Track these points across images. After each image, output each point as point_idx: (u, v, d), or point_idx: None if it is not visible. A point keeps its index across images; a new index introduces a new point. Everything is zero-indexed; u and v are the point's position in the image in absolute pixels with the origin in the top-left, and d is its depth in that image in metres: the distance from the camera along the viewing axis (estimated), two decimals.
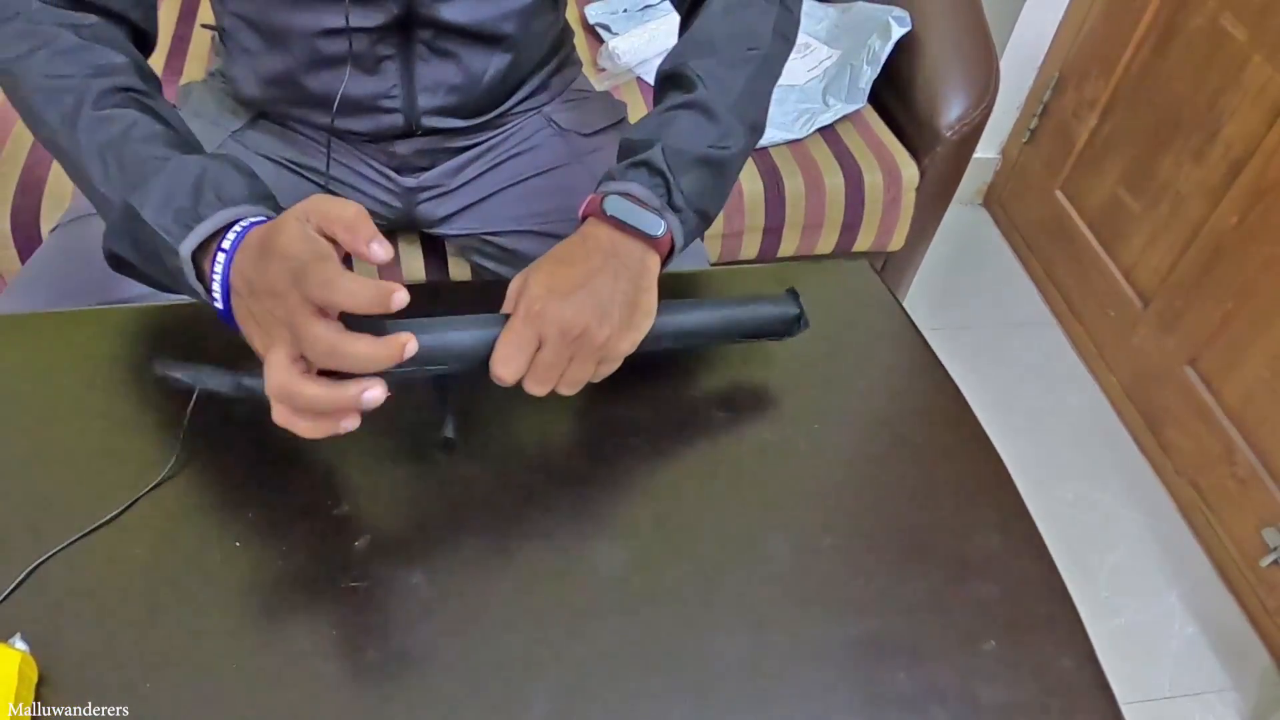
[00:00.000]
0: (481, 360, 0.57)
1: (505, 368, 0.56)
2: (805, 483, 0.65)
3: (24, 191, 1.07)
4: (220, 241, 0.55)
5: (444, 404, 0.59)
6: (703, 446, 0.66)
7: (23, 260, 1.07)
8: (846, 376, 0.73)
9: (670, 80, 0.72)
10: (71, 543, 0.56)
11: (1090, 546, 1.53)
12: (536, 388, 0.58)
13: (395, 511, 0.60)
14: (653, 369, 0.69)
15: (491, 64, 0.84)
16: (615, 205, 0.63)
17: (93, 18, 0.67)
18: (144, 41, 0.74)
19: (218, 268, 0.55)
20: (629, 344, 0.61)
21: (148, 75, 0.67)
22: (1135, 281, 1.69)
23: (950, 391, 0.72)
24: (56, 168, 1.10)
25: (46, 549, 0.55)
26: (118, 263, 0.62)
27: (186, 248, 0.55)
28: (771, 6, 0.75)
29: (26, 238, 1.06)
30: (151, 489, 0.59)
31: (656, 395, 0.69)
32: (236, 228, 0.56)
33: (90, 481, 0.60)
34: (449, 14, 0.77)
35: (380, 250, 0.49)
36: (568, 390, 0.60)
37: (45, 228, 1.06)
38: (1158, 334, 1.62)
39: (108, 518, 0.57)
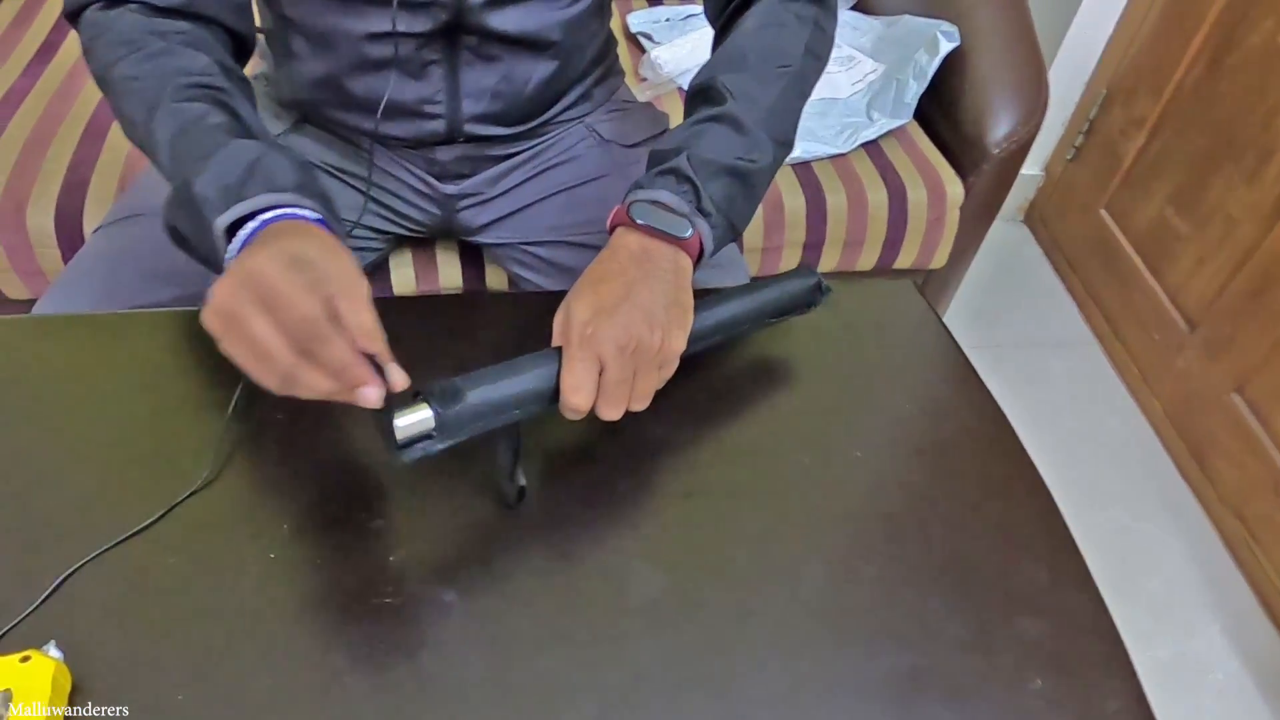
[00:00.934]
0: (548, 399, 0.58)
1: (577, 395, 0.57)
2: (845, 509, 0.63)
3: (68, 191, 1.08)
4: (249, 220, 0.57)
5: (511, 451, 0.59)
6: (740, 469, 0.65)
7: (65, 259, 1.08)
8: (889, 401, 0.72)
9: (701, 94, 0.73)
10: (106, 550, 0.55)
11: (1129, 575, 1.49)
12: (611, 410, 0.59)
13: (429, 527, 0.59)
14: (689, 390, 0.68)
15: (536, 72, 0.84)
16: (643, 211, 0.64)
17: (185, 24, 0.68)
18: (241, 46, 0.75)
19: (238, 237, 0.56)
20: (681, 342, 0.62)
21: (232, 75, 0.68)
22: (1181, 304, 1.66)
23: (996, 419, 0.70)
24: (100, 168, 1.11)
25: (81, 555, 0.55)
26: (178, 237, 0.63)
27: (222, 221, 0.56)
28: (804, 25, 0.75)
29: (69, 237, 1.06)
30: (187, 497, 0.59)
31: (693, 417, 0.68)
32: (276, 211, 0.57)
33: (126, 487, 0.60)
34: (497, 22, 0.77)
35: (372, 393, 0.51)
36: (640, 405, 0.60)
37: (89, 227, 1.07)
38: (1204, 359, 1.58)
39: (143, 525, 0.57)
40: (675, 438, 0.66)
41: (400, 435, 0.52)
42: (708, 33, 1.41)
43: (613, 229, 0.66)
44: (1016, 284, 2.00)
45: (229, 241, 0.57)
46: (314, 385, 0.50)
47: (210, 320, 0.51)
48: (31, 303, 1.12)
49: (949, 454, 0.68)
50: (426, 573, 0.57)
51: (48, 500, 0.58)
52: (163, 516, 0.58)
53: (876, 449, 0.67)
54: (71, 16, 0.71)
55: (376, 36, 0.76)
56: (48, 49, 1.34)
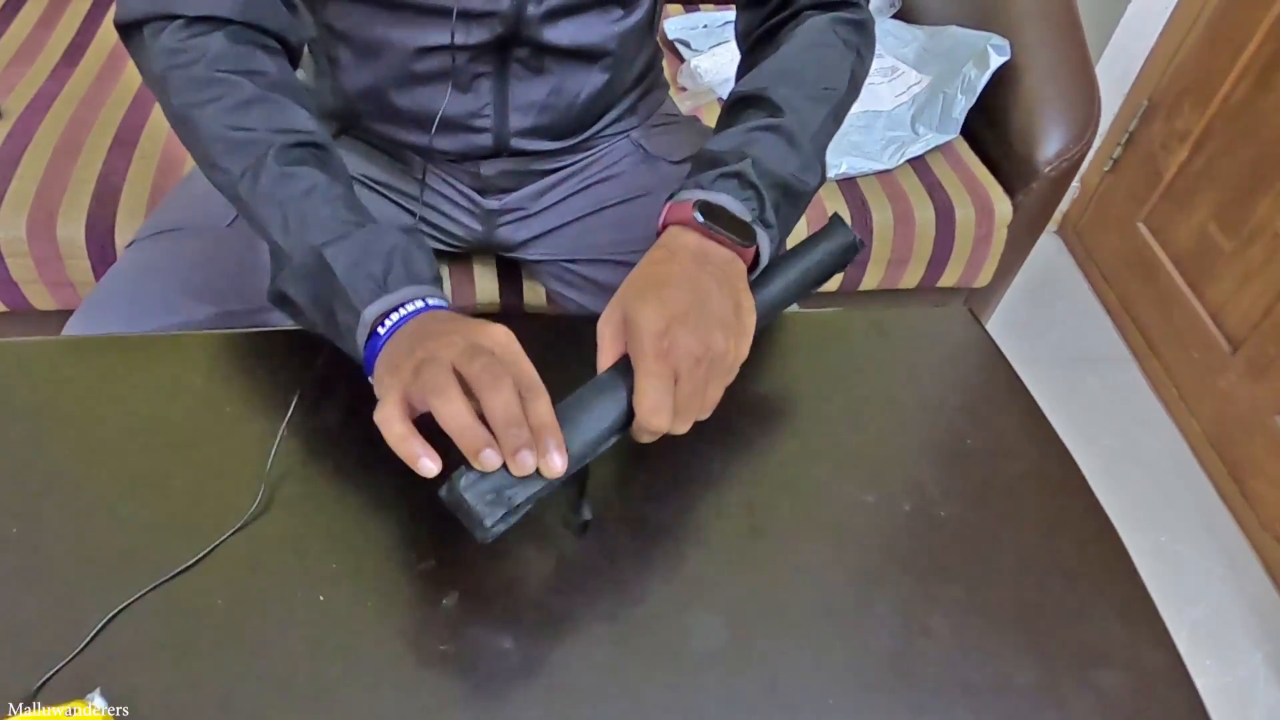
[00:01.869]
0: (620, 429, 0.55)
1: (658, 418, 0.54)
2: (909, 550, 0.61)
3: (99, 201, 1.06)
4: (393, 311, 0.57)
5: (578, 483, 0.56)
6: (802, 510, 0.62)
7: (96, 271, 1.06)
8: (949, 435, 0.69)
9: (749, 102, 0.70)
10: (148, 591, 0.53)
11: (1169, 600, 1.44)
12: (683, 425, 0.56)
13: (482, 569, 0.57)
14: (743, 422, 0.66)
15: (588, 84, 0.82)
16: (709, 213, 0.62)
17: (265, 60, 0.67)
18: (295, 56, 0.73)
19: (384, 326, 0.57)
20: (746, 348, 0.60)
21: (323, 129, 0.67)
22: (1223, 324, 1.62)
23: (1061, 457, 0.68)
24: (132, 177, 1.09)
25: (123, 597, 0.53)
26: (281, 299, 0.63)
27: (372, 311, 0.57)
28: (850, 51, 0.74)
29: (100, 248, 1.04)
30: (232, 534, 0.57)
31: (749, 452, 0.65)
32: (419, 303, 0.58)
33: (168, 522, 0.57)
34: (553, 35, 0.75)
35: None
36: (706, 415, 0.58)
37: (120, 239, 1.05)
38: (1247, 380, 1.55)
39: (187, 564, 0.55)
40: (732, 473, 0.64)
41: (489, 522, 0.51)
42: None
43: (664, 227, 0.64)
44: (1049, 298, 1.96)
45: (371, 330, 0.57)
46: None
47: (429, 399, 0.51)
48: (59, 314, 1.11)
49: (1014, 493, 0.65)
50: (481, 618, 0.54)
51: (87, 538, 0.56)
52: (207, 554, 0.55)
53: (940, 489, 0.65)
54: (128, 29, 0.67)
55: (428, 49, 0.74)
56: (74, 51, 1.32)
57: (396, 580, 0.56)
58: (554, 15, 0.74)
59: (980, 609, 0.57)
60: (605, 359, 0.58)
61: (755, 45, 0.79)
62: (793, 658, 0.54)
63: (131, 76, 1.26)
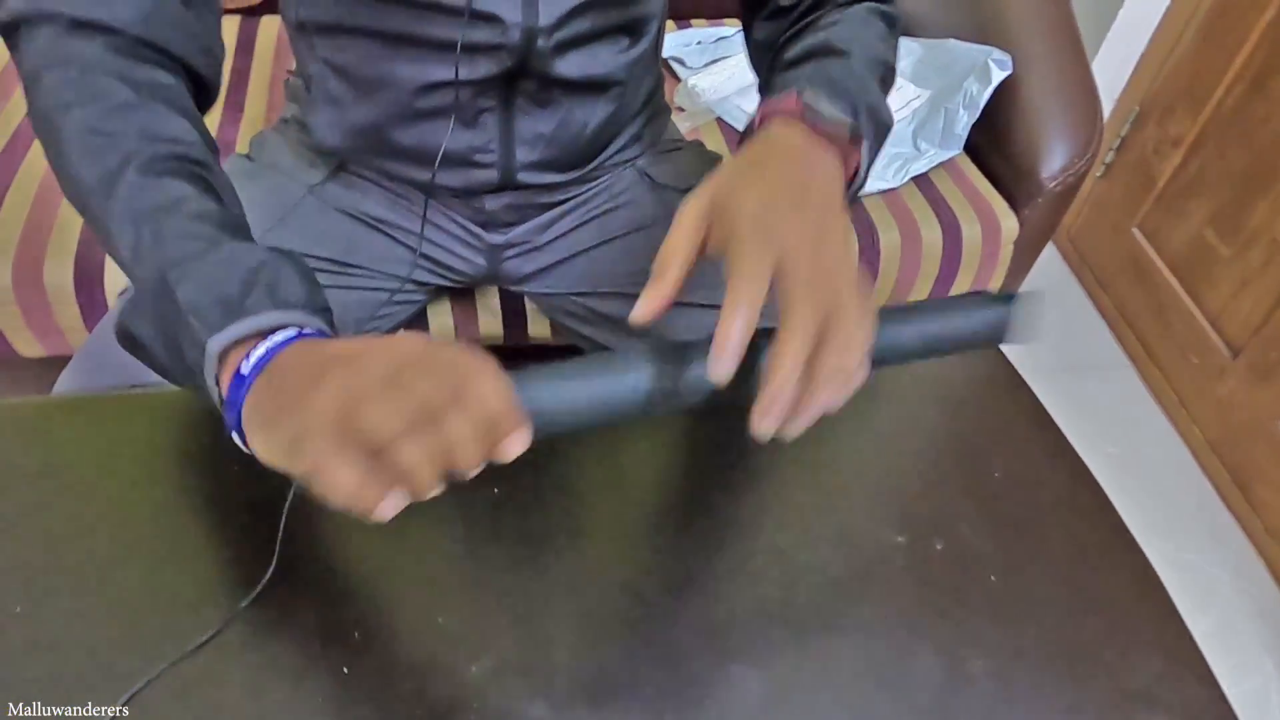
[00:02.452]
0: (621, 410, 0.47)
1: (747, 305, 0.44)
2: (946, 594, 0.59)
3: (87, 244, 1.03)
4: (258, 344, 0.47)
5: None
6: (834, 556, 0.60)
7: (86, 320, 1.03)
8: (976, 469, 0.67)
9: (809, 55, 0.65)
10: (161, 673, 0.50)
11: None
12: (797, 353, 0.44)
13: (512, 630, 0.55)
14: (773, 467, 0.64)
15: (595, 114, 0.80)
16: (813, 108, 0.55)
17: (154, 72, 0.58)
18: (204, 93, 0.65)
19: (247, 363, 0.46)
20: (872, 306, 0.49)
21: (207, 144, 0.59)
22: (1223, 329, 1.62)
23: (1096, 496, 0.67)
24: None
25: (132, 682, 0.50)
26: (130, 342, 0.53)
27: (219, 342, 0.46)
28: (892, 36, 0.71)
29: (89, 293, 1.01)
30: (246, 604, 0.54)
31: (779, 498, 0.64)
32: (289, 331, 0.47)
33: (178, 597, 0.54)
34: (562, 67, 0.73)
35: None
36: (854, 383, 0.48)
37: (109, 282, 1.02)
38: (1248, 386, 1.54)
39: (200, 641, 0.52)
40: (764, 520, 0.62)
41: None
42: (744, 57, 1.37)
43: (760, 122, 0.57)
44: (1045, 303, 1.96)
45: (222, 365, 0.47)
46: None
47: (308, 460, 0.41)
48: (46, 361, 1.08)
49: (1048, 536, 0.64)
50: (513, 683, 0.52)
51: (94, 616, 0.53)
52: (223, 629, 0.53)
53: (969, 523, 0.63)
54: (8, 28, 0.58)
55: (432, 85, 0.72)
56: None
57: (423, 646, 0.53)
58: (563, 47, 0.72)
59: (1021, 651, 0.56)
60: (677, 247, 0.49)
61: (783, 48, 0.73)
62: (834, 714, 0.52)
63: None
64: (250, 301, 0.47)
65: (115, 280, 1.01)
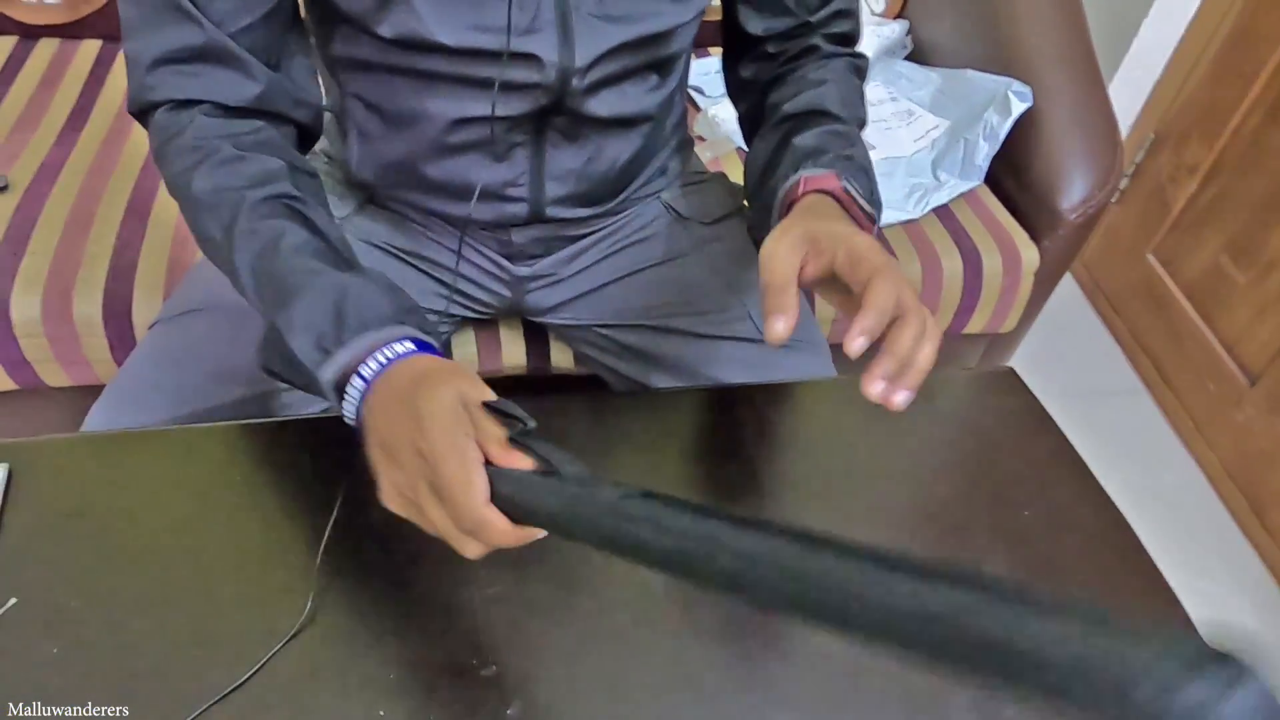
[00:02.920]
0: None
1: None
2: None
3: (115, 276, 1.03)
4: (360, 368, 0.53)
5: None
6: None
7: (114, 351, 1.03)
8: (1004, 508, 0.68)
9: (812, 116, 0.74)
10: (198, 715, 0.51)
11: None
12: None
13: (545, 674, 0.55)
14: (794, 499, 0.64)
15: (625, 150, 0.81)
16: (855, 193, 0.65)
17: (256, 123, 0.65)
18: (306, 133, 0.73)
19: (351, 395, 0.53)
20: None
21: (304, 176, 0.65)
22: (1239, 356, 1.61)
23: (1120, 529, 0.67)
24: (147, 249, 1.07)
25: None
26: (271, 374, 0.60)
27: (328, 380, 0.54)
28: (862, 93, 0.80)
29: (118, 326, 1.01)
30: (281, 646, 0.54)
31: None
32: (380, 356, 0.53)
33: (212, 639, 0.55)
34: (595, 106, 0.73)
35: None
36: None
37: (138, 315, 1.02)
38: (1266, 414, 1.54)
39: (236, 683, 0.52)
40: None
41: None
42: None
43: (800, 196, 0.65)
44: (1059, 329, 1.95)
45: (341, 394, 0.54)
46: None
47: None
48: (72, 390, 1.08)
49: (1072, 568, 0.64)
50: None
51: (129, 657, 0.54)
52: (258, 670, 0.53)
53: (998, 563, 0.63)
54: (140, 116, 0.67)
55: (465, 120, 0.72)
56: (79, 115, 1.28)
57: (458, 690, 0.53)
58: (596, 86, 0.72)
59: None
60: (789, 274, 0.55)
61: (768, 87, 0.81)
62: None
63: (139, 139, 1.24)
64: (344, 332, 0.54)
65: (144, 313, 1.01)
